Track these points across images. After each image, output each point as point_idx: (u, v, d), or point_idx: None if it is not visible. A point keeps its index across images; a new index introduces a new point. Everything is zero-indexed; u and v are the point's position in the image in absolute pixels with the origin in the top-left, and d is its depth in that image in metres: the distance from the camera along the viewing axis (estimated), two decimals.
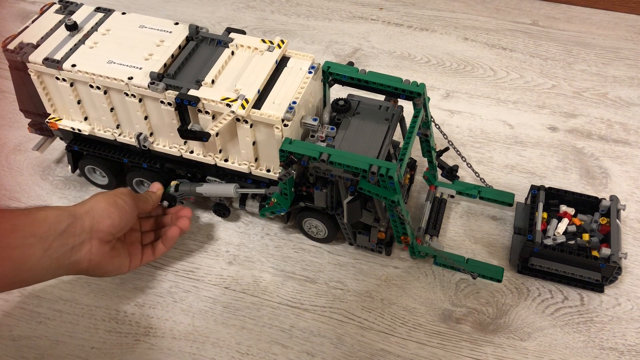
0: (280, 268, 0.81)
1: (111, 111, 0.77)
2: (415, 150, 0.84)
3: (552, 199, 0.81)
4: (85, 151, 0.85)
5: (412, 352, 0.73)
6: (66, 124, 0.81)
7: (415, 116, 0.74)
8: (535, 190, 0.82)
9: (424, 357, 0.73)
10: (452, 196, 0.88)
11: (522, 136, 0.98)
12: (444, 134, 0.85)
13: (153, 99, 0.73)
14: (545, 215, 0.79)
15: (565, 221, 0.79)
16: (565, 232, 0.78)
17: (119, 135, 0.80)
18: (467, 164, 0.87)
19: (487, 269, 0.78)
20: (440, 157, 0.87)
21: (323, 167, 0.70)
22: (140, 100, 0.74)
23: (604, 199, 0.79)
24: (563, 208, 0.81)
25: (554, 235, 0.77)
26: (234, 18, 1.23)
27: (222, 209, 0.85)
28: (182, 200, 0.85)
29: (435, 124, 0.83)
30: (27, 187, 0.92)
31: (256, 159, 0.76)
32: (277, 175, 0.73)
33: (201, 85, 0.71)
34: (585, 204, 0.80)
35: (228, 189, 0.79)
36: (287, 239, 0.85)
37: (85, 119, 0.80)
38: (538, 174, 0.93)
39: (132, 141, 0.79)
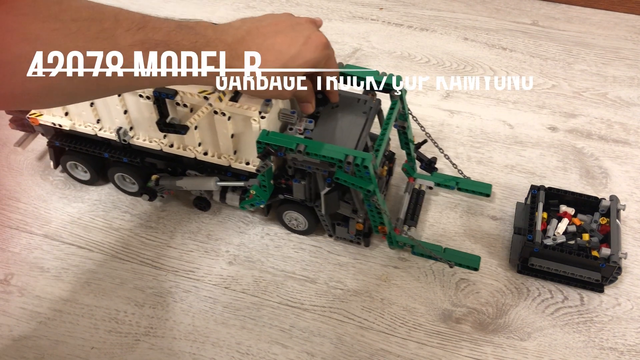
0: (280, 268, 0.81)
1: (91, 106, 0.78)
2: (395, 144, 0.85)
3: (552, 199, 0.81)
4: (66, 147, 0.85)
5: (412, 352, 0.73)
6: (47, 119, 0.81)
7: (391, 108, 0.76)
8: (535, 190, 0.82)
9: (424, 357, 0.73)
10: (431, 188, 0.89)
11: (522, 136, 0.98)
12: (422, 127, 0.86)
13: (132, 93, 0.74)
14: (545, 215, 0.79)
15: (565, 221, 0.79)
16: (565, 232, 0.78)
17: (100, 130, 0.80)
18: (445, 155, 0.88)
19: (464, 257, 0.79)
20: (419, 150, 0.88)
21: (300, 159, 0.71)
22: (119, 95, 0.74)
23: (604, 199, 0.80)
24: (563, 208, 0.81)
25: (554, 235, 0.77)
26: (234, 18, 1.22)
27: (203, 202, 0.85)
28: (162, 194, 0.85)
29: (413, 117, 0.84)
30: (27, 187, 0.92)
31: (235, 152, 0.77)
32: (255, 167, 0.74)
33: None
34: (585, 204, 0.81)
35: (208, 183, 0.80)
36: (287, 239, 0.85)
37: (66, 114, 0.81)
38: (538, 174, 0.93)
39: (113, 136, 0.80)
